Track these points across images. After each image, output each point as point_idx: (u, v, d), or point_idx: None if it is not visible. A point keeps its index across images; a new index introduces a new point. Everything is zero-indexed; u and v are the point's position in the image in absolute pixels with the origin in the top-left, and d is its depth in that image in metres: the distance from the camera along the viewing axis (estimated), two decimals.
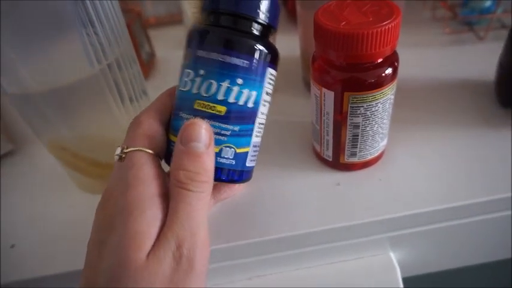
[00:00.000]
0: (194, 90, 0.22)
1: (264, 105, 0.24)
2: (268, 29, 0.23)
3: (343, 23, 0.23)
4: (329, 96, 0.26)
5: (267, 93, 0.24)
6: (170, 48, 0.50)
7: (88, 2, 0.23)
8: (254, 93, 0.23)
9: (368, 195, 0.28)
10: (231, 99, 0.22)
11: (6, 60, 0.22)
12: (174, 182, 0.20)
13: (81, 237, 0.29)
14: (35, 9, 0.22)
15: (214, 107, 0.22)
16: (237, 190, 0.29)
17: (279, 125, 0.35)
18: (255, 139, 0.24)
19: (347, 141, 0.28)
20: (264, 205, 0.29)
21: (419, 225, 0.29)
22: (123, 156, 0.21)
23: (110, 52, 0.25)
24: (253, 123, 0.23)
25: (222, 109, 0.22)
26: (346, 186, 0.29)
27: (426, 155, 0.31)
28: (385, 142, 0.29)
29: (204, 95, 0.22)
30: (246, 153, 0.24)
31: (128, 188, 0.20)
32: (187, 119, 0.22)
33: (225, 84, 0.22)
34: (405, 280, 0.30)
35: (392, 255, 0.31)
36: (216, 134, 0.22)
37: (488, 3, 0.43)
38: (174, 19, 0.57)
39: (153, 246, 0.19)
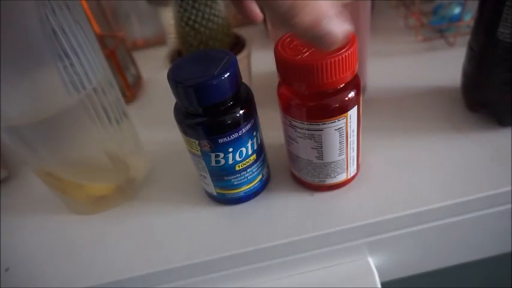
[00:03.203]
0: (231, 162, 0.27)
1: None
2: None
3: (303, 54, 0.23)
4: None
5: None
6: (156, 69, 0.52)
7: (62, 37, 0.25)
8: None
9: (342, 203, 0.30)
10: (255, 146, 0.28)
11: None
12: None
13: (73, 257, 0.31)
14: (11, 45, 0.23)
15: (249, 160, 0.28)
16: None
17: None
18: None
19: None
20: (246, 217, 0.30)
21: (395, 229, 0.30)
22: None
23: (87, 81, 0.27)
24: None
25: (254, 157, 0.29)
26: (321, 196, 0.31)
27: (400, 161, 0.32)
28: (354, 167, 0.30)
29: (240, 159, 0.28)
30: None
31: None
32: (234, 179, 0.29)
33: (250, 143, 0.27)
34: (384, 284, 0.31)
35: (370, 259, 0.32)
36: (257, 170, 0.29)
37: (457, 11, 0.44)
38: (161, 40, 0.59)
39: None
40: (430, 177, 0.30)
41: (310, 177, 0.30)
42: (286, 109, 0.26)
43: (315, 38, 0.18)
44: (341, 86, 0.24)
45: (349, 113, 0.25)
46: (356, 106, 0.26)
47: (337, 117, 0.25)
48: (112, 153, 0.32)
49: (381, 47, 0.46)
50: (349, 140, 0.27)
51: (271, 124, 0.34)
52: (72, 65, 0.26)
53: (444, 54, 0.44)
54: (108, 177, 0.33)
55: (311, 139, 0.27)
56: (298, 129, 0.27)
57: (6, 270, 0.31)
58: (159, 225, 0.31)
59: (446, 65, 0.41)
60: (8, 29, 0.22)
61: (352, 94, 0.25)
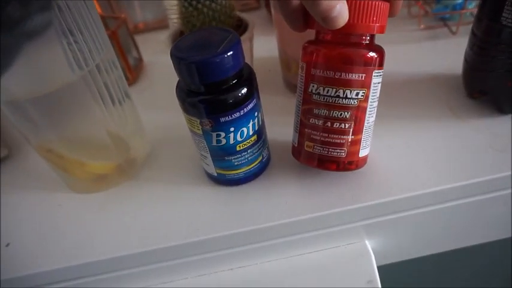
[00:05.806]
0: (232, 141, 0.28)
1: None
2: None
3: None
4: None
5: None
6: (157, 53, 0.52)
7: (66, 14, 0.25)
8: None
9: (341, 186, 0.30)
10: (256, 127, 0.28)
11: None
12: None
13: (72, 233, 0.31)
14: None
15: (250, 141, 0.28)
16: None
17: None
18: None
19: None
20: (245, 198, 0.31)
21: (393, 212, 0.30)
22: None
23: (90, 59, 0.27)
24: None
25: (254, 137, 0.29)
26: (320, 179, 0.31)
27: (399, 146, 0.32)
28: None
29: (240, 139, 0.28)
30: None
31: None
32: (234, 159, 0.29)
33: (251, 123, 0.28)
34: (381, 268, 0.32)
35: (367, 242, 0.32)
36: (257, 151, 0.30)
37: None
38: (162, 24, 0.59)
39: None
40: (428, 162, 0.31)
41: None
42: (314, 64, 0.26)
43: (328, 18, 0.22)
44: (367, 39, 0.25)
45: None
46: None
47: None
48: (113, 133, 0.32)
49: (383, 35, 0.46)
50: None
51: (271, 108, 0.34)
52: (76, 42, 0.26)
53: (446, 42, 0.44)
54: (108, 156, 0.33)
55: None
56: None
57: (7, 245, 0.31)
58: (159, 205, 0.32)
59: (448, 53, 0.41)
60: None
61: (373, 54, 0.25)
